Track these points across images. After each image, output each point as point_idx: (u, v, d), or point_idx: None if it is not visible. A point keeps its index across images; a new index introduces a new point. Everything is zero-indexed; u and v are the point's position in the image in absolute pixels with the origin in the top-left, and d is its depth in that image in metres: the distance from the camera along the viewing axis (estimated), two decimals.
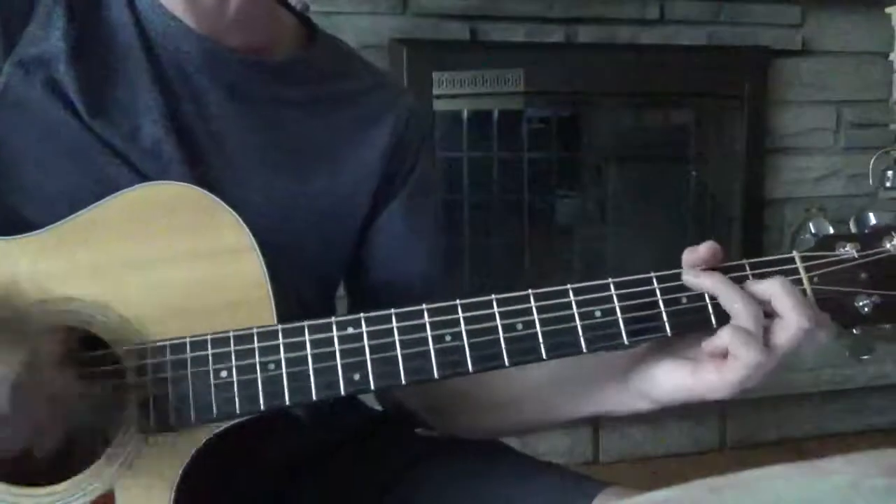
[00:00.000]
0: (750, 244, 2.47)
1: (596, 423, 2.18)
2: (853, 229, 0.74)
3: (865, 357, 0.71)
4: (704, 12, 2.36)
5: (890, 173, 2.37)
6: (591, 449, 2.19)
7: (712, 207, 2.50)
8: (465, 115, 2.28)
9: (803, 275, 0.71)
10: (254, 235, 0.71)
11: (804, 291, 0.70)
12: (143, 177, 0.77)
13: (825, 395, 2.28)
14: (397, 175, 0.88)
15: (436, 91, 2.15)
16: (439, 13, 2.17)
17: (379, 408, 0.95)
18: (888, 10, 2.50)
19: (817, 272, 0.71)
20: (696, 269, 0.70)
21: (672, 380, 0.71)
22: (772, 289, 0.68)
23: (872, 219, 0.75)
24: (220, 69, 0.81)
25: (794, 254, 0.72)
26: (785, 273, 0.71)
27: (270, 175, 0.82)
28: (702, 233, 2.48)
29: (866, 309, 0.71)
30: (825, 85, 2.51)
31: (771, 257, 0.72)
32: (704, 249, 0.71)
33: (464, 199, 2.30)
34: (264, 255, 0.71)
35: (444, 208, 2.27)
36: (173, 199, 0.72)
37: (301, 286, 0.79)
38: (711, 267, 0.71)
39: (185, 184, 0.73)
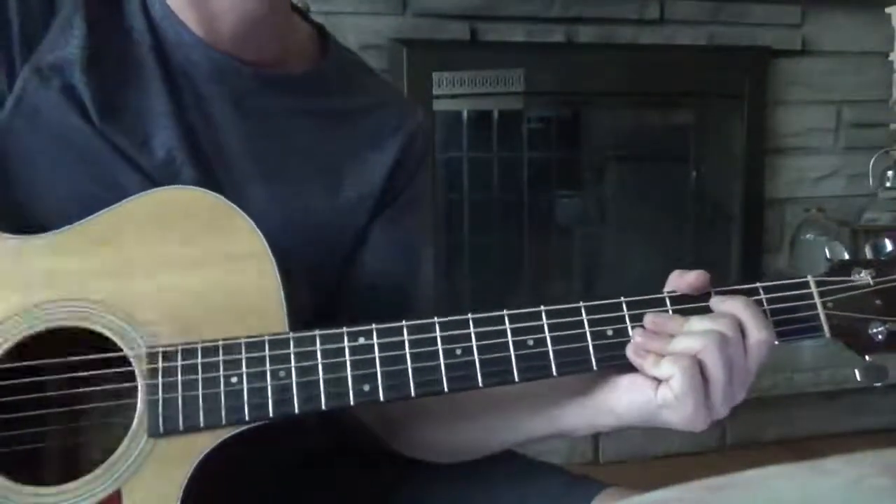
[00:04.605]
0: (750, 244, 2.47)
1: None
2: (869, 255, 0.74)
3: (878, 384, 0.70)
4: (704, 12, 2.37)
5: (890, 173, 2.37)
6: (591, 449, 2.19)
7: (712, 207, 2.50)
8: (465, 115, 2.28)
9: (817, 300, 0.70)
10: None
11: (817, 316, 0.70)
12: (155, 183, 0.77)
13: (825, 395, 2.29)
14: (392, 190, 0.88)
15: (436, 91, 2.15)
16: (439, 13, 2.17)
17: None
18: (888, 10, 2.51)
19: (831, 297, 0.71)
20: (639, 348, 0.68)
21: (633, 390, 0.69)
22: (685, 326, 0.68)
23: (889, 245, 0.74)
24: (227, 80, 0.82)
25: (809, 278, 0.71)
26: (798, 297, 0.70)
27: (272, 188, 0.82)
28: (702, 233, 2.48)
29: (880, 336, 0.70)
30: (825, 85, 2.51)
31: (785, 281, 0.71)
32: (694, 278, 0.70)
33: (464, 199, 2.30)
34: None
35: (443, 208, 2.28)
36: (189, 204, 0.72)
37: (305, 299, 0.79)
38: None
39: (201, 189, 0.73)
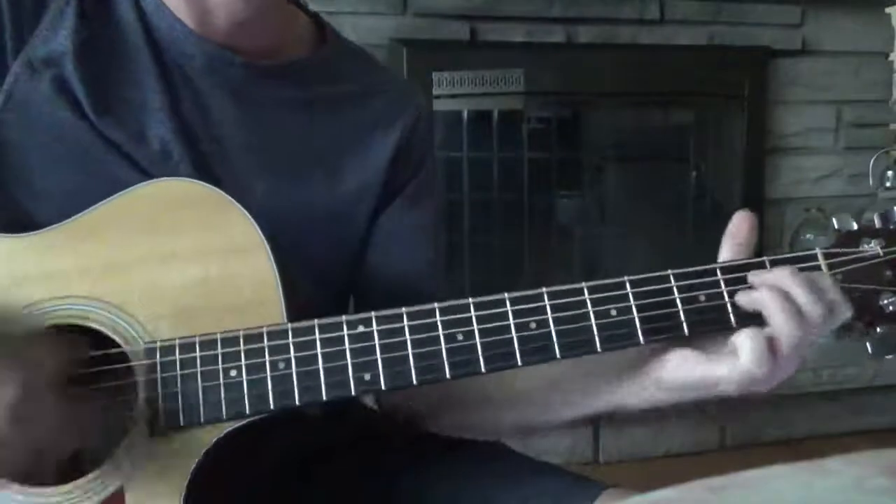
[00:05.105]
0: None
1: (596, 423, 2.18)
2: (878, 224, 0.72)
3: (889, 357, 0.68)
4: (704, 12, 2.36)
5: (890, 173, 2.37)
6: (591, 449, 2.19)
7: (712, 207, 2.50)
8: (465, 115, 2.28)
9: (826, 272, 0.70)
10: None
11: (831, 279, 0.69)
12: (151, 178, 0.76)
13: (825, 395, 2.28)
14: (400, 177, 0.88)
15: (436, 91, 2.15)
16: (439, 13, 2.17)
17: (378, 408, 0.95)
18: (888, 10, 2.51)
19: (840, 269, 0.69)
20: (749, 292, 0.68)
21: (684, 366, 0.70)
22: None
23: None
24: (222, 73, 0.81)
25: (817, 250, 0.70)
26: (807, 270, 0.69)
27: (272, 179, 0.82)
28: (702, 233, 2.48)
29: (891, 308, 0.69)
30: (825, 85, 2.51)
31: (793, 254, 0.70)
32: (739, 222, 0.70)
33: (464, 199, 2.30)
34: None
35: (443, 208, 2.28)
36: (183, 196, 0.72)
37: (307, 289, 0.79)
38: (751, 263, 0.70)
39: (196, 181, 0.73)
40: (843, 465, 0.39)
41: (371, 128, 0.87)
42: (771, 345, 0.66)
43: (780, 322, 0.66)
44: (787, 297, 0.67)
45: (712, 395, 0.70)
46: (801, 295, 0.67)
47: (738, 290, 0.69)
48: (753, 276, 0.69)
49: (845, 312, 0.67)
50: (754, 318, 0.68)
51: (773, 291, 0.67)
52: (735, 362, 0.67)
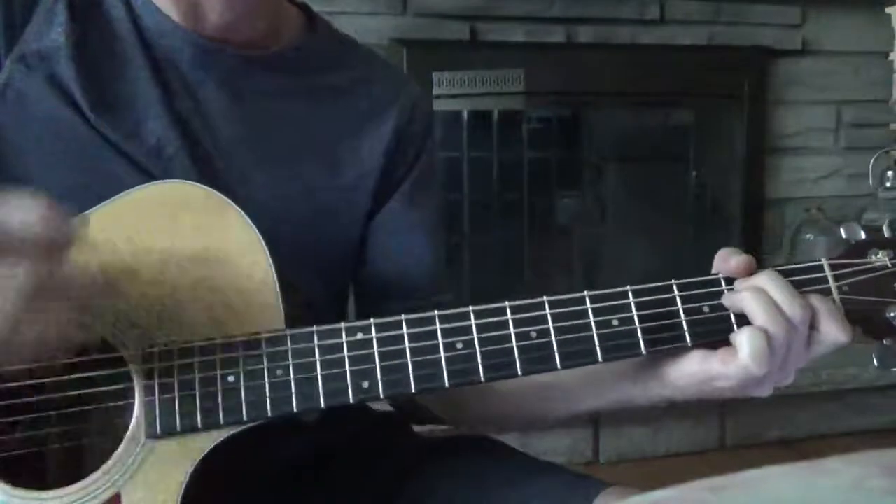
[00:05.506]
0: (750, 244, 2.47)
1: (596, 423, 2.18)
2: (887, 234, 0.70)
3: (895, 369, 0.68)
4: (704, 12, 2.36)
5: (890, 173, 2.37)
6: (591, 449, 2.19)
7: (712, 207, 2.50)
8: (465, 115, 2.28)
9: (832, 283, 0.69)
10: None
11: (833, 301, 0.68)
12: (148, 174, 0.76)
13: (825, 395, 2.28)
14: (399, 168, 0.88)
15: (436, 91, 2.15)
16: (439, 13, 2.17)
17: (378, 409, 0.95)
18: (888, 10, 2.51)
19: (847, 281, 0.68)
20: (732, 293, 0.68)
21: (684, 361, 0.70)
22: (816, 305, 0.67)
23: None
24: (213, 66, 0.81)
25: (823, 261, 0.69)
26: (812, 281, 0.69)
27: (270, 171, 0.82)
28: (702, 233, 2.48)
29: None
30: (825, 85, 2.51)
31: (799, 264, 0.69)
32: (736, 264, 0.69)
33: (464, 199, 2.30)
34: (270, 253, 0.70)
35: (444, 207, 2.27)
36: (182, 199, 0.71)
37: (308, 283, 0.78)
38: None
39: (192, 182, 0.72)
40: (843, 465, 0.39)
41: (366, 117, 0.87)
42: (769, 343, 0.66)
43: (762, 319, 0.66)
44: (764, 293, 0.67)
45: (712, 393, 0.70)
46: (774, 291, 0.67)
47: (725, 290, 0.69)
48: (739, 282, 0.69)
49: (842, 331, 0.67)
50: None
51: (752, 291, 0.67)
52: (734, 359, 0.67)
